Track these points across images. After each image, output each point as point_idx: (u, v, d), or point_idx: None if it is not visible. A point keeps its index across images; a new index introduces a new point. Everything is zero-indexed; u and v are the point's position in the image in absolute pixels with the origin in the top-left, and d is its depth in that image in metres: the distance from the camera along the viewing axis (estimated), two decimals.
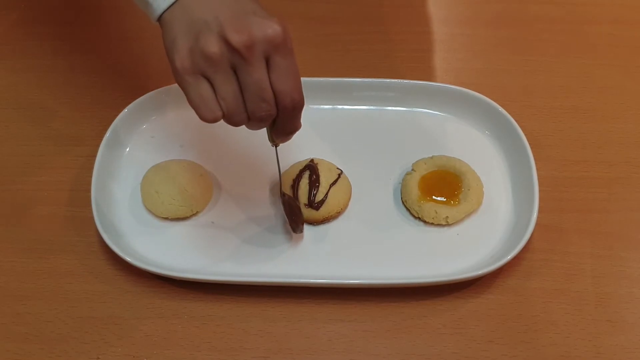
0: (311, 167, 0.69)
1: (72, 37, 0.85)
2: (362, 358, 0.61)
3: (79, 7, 0.89)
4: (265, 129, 0.57)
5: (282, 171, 0.70)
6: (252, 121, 0.53)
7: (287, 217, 0.65)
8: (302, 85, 0.74)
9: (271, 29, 0.49)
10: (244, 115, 0.52)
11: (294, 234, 0.67)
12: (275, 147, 0.61)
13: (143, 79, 0.79)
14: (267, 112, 0.52)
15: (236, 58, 0.49)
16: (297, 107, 0.53)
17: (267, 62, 0.50)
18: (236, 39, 0.48)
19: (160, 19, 0.53)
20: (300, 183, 0.68)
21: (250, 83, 0.50)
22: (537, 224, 0.64)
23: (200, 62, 0.49)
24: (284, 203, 0.65)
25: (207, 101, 0.50)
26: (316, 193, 0.67)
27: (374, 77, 0.76)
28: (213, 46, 0.49)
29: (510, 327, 0.62)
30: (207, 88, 0.50)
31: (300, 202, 0.67)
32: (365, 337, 0.62)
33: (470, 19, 0.88)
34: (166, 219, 0.68)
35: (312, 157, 0.71)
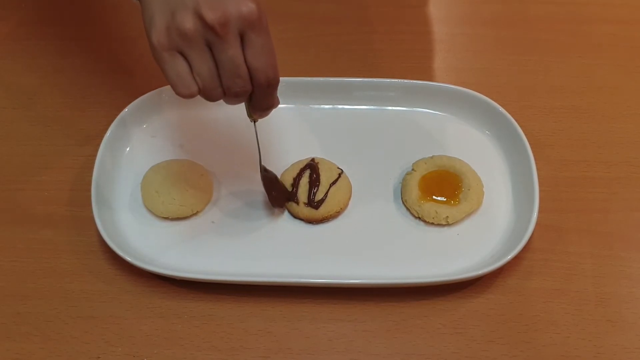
0: (312, 166, 0.69)
1: (73, 38, 0.85)
2: (362, 358, 0.61)
3: (79, 7, 0.89)
4: (244, 105, 0.58)
5: (283, 170, 0.70)
6: (228, 97, 0.54)
7: (267, 192, 0.65)
8: (303, 85, 0.75)
9: (246, 6, 0.50)
10: (219, 90, 0.53)
11: (275, 210, 0.67)
12: (254, 122, 0.61)
13: (143, 79, 0.78)
14: (242, 88, 0.53)
15: (211, 35, 0.50)
16: (272, 84, 0.54)
17: (242, 39, 0.51)
18: (211, 16, 0.49)
19: None
20: (301, 182, 0.68)
21: (224, 60, 0.51)
22: (537, 224, 0.64)
23: (176, 39, 0.50)
24: (263, 178, 0.65)
25: (183, 77, 0.52)
26: (316, 192, 0.67)
27: (374, 77, 0.76)
28: (188, 23, 0.50)
29: (510, 327, 0.62)
30: (183, 64, 0.52)
31: (300, 201, 0.67)
32: (366, 337, 0.62)
33: (470, 19, 0.88)
34: (166, 219, 0.68)
35: (312, 156, 0.71)
